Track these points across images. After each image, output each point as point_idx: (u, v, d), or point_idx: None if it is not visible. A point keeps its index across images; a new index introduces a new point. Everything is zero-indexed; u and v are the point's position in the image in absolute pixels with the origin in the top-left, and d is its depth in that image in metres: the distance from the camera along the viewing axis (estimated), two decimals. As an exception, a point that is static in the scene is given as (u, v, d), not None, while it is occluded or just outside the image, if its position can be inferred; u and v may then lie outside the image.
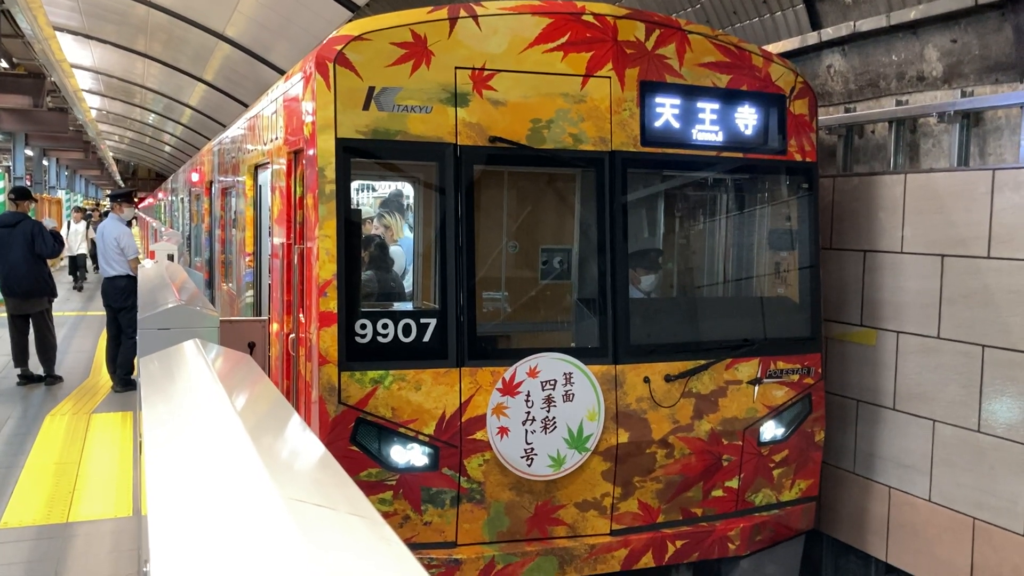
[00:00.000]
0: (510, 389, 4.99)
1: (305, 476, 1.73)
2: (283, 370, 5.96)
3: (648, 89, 5.31)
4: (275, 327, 6.32)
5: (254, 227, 7.86)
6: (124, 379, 10.25)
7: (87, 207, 42.14)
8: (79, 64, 24.68)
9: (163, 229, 22.04)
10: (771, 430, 5.72)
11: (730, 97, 5.56)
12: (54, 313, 11.25)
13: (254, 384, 2.70)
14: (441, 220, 5.05)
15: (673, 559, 5.44)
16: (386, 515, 4.86)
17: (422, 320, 4.96)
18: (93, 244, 22.13)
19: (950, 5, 5.82)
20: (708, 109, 5.51)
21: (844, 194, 6.52)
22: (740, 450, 5.61)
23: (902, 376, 6.08)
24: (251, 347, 6.21)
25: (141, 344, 4.18)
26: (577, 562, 5.18)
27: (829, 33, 6.82)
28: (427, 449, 4.91)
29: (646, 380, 5.29)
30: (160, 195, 34.71)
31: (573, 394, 5.09)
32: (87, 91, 29.05)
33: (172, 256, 11.37)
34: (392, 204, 7.44)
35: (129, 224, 11.17)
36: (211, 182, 12.38)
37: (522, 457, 5.02)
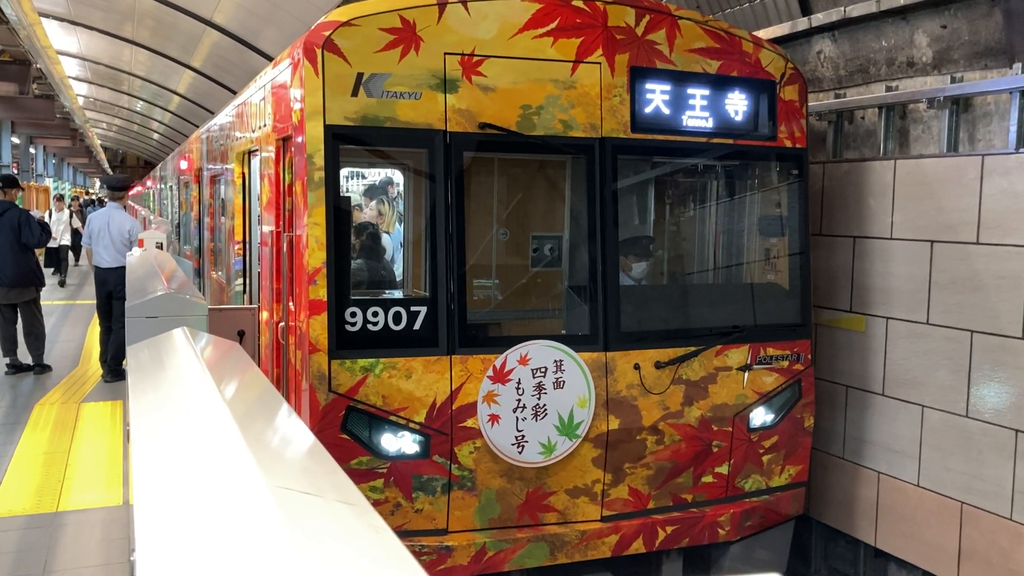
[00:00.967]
0: (501, 377, 4.99)
1: (293, 464, 1.73)
2: (273, 358, 5.94)
3: (638, 75, 5.29)
4: (265, 315, 6.30)
5: (243, 215, 7.82)
6: (115, 368, 10.20)
7: (79, 195, 41.81)
8: (65, 51, 24.46)
9: (152, 217, 21.92)
10: (761, 416, 5.74)
11: (720, 83, 5.55)
12: (42, 302, 11.19)
13: (242, 373, 2.69)
14: (431, 207, 5.03)
15: (663, 544, 5.47)
16: (377, 503, 4.86)
17: (412, 308, 4.94)
18: (76, 235, 21.04)
19: (940, -10, 5.82)
20: (698, 95, 5.50)
21: (834, 180, 6.53)
22: (730, 436, 5.63)
23: (891, 362, 6.10)
24: (241, 335, 6.19)
25: (129, 332, 4.16)
26: (568, 548, 5.19)
27: (819, 19, 6.81)
28: (418, 437, 4.90)
29: (636, 367, 5.30)
30: (149, 183, 34.53)
31: (564, 381, 5.10)
32: (74, 78, 28.82)
33: (161, 244, 11.30)
34: (380, 191, 7.41)
35: None
36: (200, 170, 12.32)
37: (513, 444, 5.03)
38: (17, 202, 11.15)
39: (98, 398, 9.48)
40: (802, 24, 6.97)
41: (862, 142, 6.85)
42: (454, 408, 4.94)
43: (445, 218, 4.98)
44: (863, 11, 6.38)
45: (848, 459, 6.50)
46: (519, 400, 5.02)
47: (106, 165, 62.49)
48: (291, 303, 5.32)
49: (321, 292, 4.77)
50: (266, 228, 6.20)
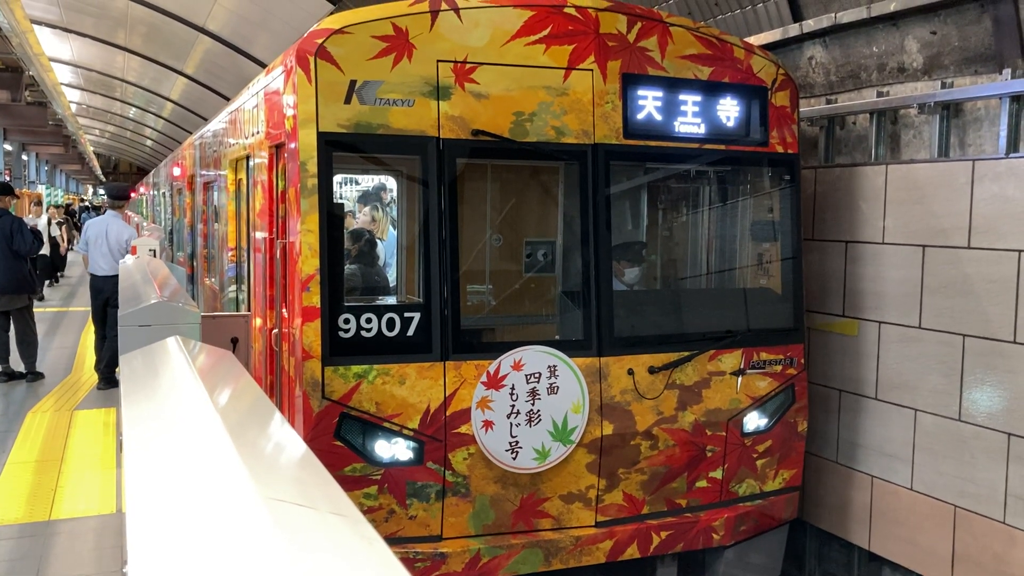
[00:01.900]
0: (495, 382, 4.99)
1: (286, 475, 1.73)
2: (266, 365, 5.93)
3: (630, 82, 5.31)
4: (258, 322, 6.29)
5: (236, 222, 7.81)
6: (108, 376, 10.17)
7: (73, 202, 41.56)
8: (57, 58, 24.42)
9: (145, 224, 21.86)
10: (754, 421, 5.76)
11: (712, 89, 5.57)
12: (35, 309, 11.15)
13: (235, 381, 2.68)
14: (424, 214, 5.03)
15: (658, 550, 5.47)
16: (371, 510, 4.86)
17: (406, 314, 4.95)
18: (54, 245, 19.38)
19: (930, -4, 5.85)
20: (690, 101, 5.52)
21: (826, 185, 6.55)
22: (724, 441, 5.64)
23: (884, 366, 6.12)
24: (234, 342, 6.18)
25: (122, 341, 4.15)
26: (562, 554, 5.19)
27: (810, 25, 6.84)
28: (412, 443, 4.90)
29: (630, 372, 5.30)
30: (142, 189, 34.46)
31: (558, 387, 5.10)
32: (66, 85, 28.77)
33: (154, 251, 11.29)
34: (374, 198, 7.41)
35: None
36: (193, 176, 12.30)
37: (507, 450, 5.03)
38: (10, 210, 11.12)
39: (91, 405, 9.46)
40: (793, 30, 7.00)
41: (853, 147, 6.88)
42: (448, 414, 4.94)
43: (438, 224, 4.99)
44: (854, 17, 6.41)
45: (842, 463, 6.51)
46: (513, 406, 5.02)
47: (99, 172, 62.34)
48: (284, 310, 5.32)
49: (314, 299, 4.77)
50: (259, 235, 6.20)
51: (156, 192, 22.96)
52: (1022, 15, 5.46)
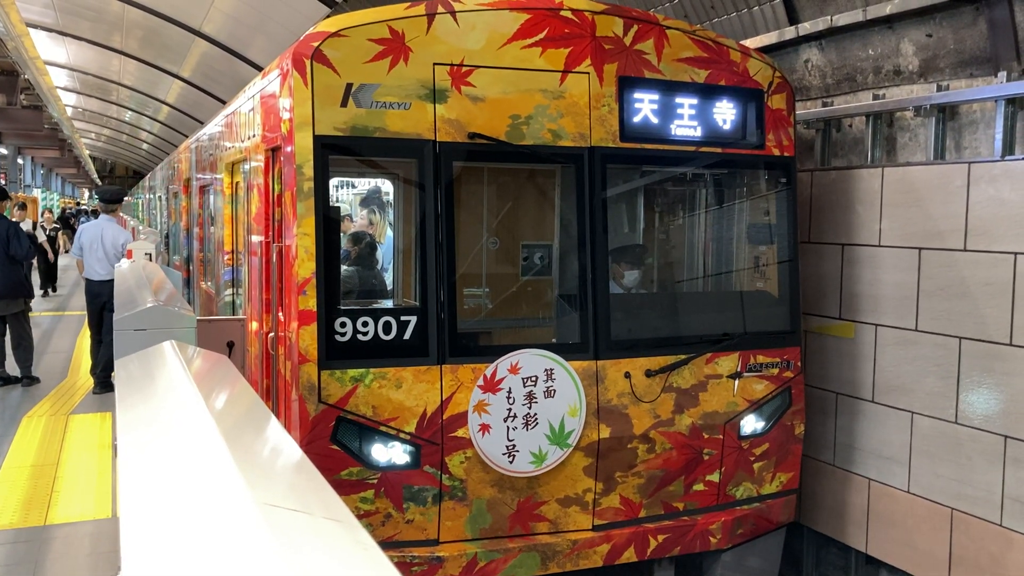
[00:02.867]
0: (491, 386, 4.98)
1: (280, 480, 1.72)
2: (263, 369, 5.92)
3: (627, 85, 5.31)
4: (254, 326, 6.28)
5: (232, 225, 7.80)
6: (104, 380, 10.15)
7: (68, 206, 41.33)
8: (53, 61, 24.40)
9: (141, 227, 21.83)
10: (751, 424, 5.75)
11: (708, 92, 5.57)
12: (30, 314, 11.13)
13: (231, 386, 2.68)
14: (421, 217, 5.03)
15: (655, 553, 5.46)
16: (368, 514, 4.85)
17: (402, 318, 4.94)
18: (42, 253, 18.22)
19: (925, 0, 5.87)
20: (686, 104, 5.52)
21: (822, 188, 6.56)
22: (721, 444, 5.63)
23: (880, 369, 6.12)
24: (230, 346, 6.17)
25: (117, 345, 4.14)
26: (559, 558, 5.18)
27: (806, 28, 6.85)
28: (408, 447, 4.89)
29: (627, 375, 5.30)
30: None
31: (554, 390, 5.09)
32: (62, 88, 28.75)
33: (150, 255, 11.27)
34: (370, 201, 7.41)
35: None
36: (189, 180, 12.29)
37: (504, 454, 5.02)
38: (5, 213, 11.10)
39: (87, 410, 9.43)
40: (789, 33, 7.01)
41: (850, 150, 6.89)
42: (444, 418, 4.93)
43: (435, 228, 4.98)
44: (850, 20, 6.42)
45: (839, 466, 6.51)
46: (510, 409, 5.01)
47: (95, 175, 62.27)
48: (281, 313, 5.31)
49: (311, 302, 4.76)
50: (255, 238, 6.19)
51: (152, 195, 22.92)
52: (1017, 18, 5.47)
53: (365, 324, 4.85)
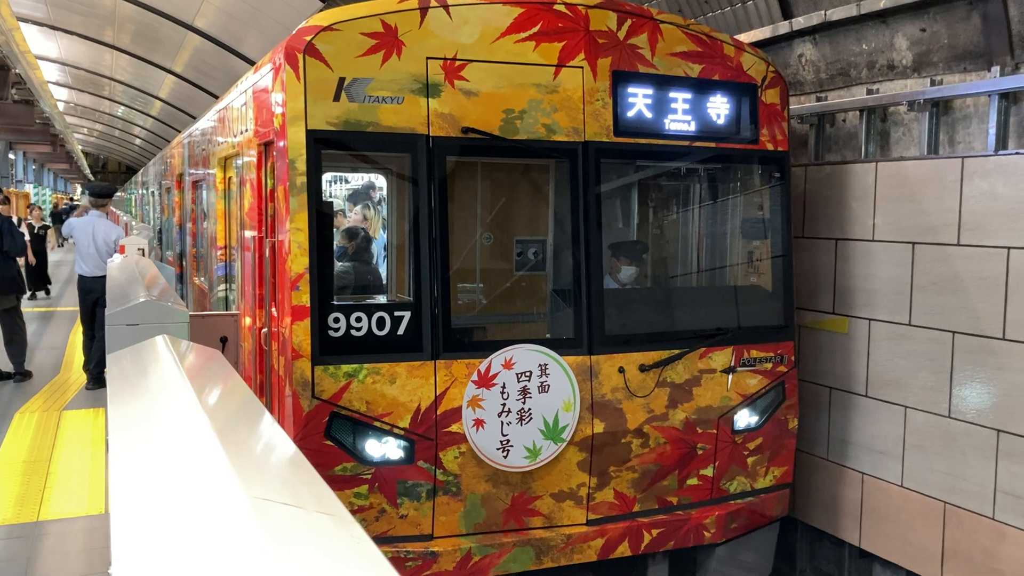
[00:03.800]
0: (485, 381, 4.98)
1: (273, 475, 1.71)
2: (256, 364, 5.91)
3: (620, 79, 5.30)
4: (247, 321, 6.26)
5: (225, 220, 7.78)
6: (97, 376, 10.12)
7: (65, 203, 41.00)
8: (45, 56, 24.28)
9: (133, 223, 21.74)
10: (745, 418, 5.76)
11: (702, 87, 5.56)
12: (23, 309, 11.09)
13: (223, 381, 2.66)
14: (414, 212, 5.01)
15: (649, 548, 5.47)
16: (362, 509, 4.84)
17: (396, 313, 4.93)
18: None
19: (919, -6, 5.86)
20: (680, 99, 5.51)
21: (816, 183, 6.56)
22: (715, 438, 5.64)
23: (874, 363, 6.13)
24: (223, 342, 6.15)
25: (110, 340, 4.12)
26: (554, 552, 5.18)
27: (800, 22, 6.84)
28: (402, 442, 4.88)
29: (621, 370, 5.30)
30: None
31: (548, 385, 5.09)
32: (53, 83, 28.61)
33: (143, 250, 11.23)
34: (363, 196, 7.40)
35: None
36: (182, 175, 12.25)
37: (498, 449, 5.02)
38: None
39: (80, 405, 9.40)
40: (783, 27, 7.00)
41: (843, 145, 6.89)
42: (439, 413, 4.92)
43: (428, 223, 4.97)
44: (843, 14, 6.42)
45: (832, 460, 6.53)
46: (504, 404, 5.01)
47: (87, 171, 62.02)
48: (274, 309, 5.30)
49: (304, 298, 4.75)
50: (248, 233, 6.17)
51: (145, 191, 22.83)
52: (1011, 12, 5.47)
53: (359, 319, 4.84)
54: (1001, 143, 5.56)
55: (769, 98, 5.78)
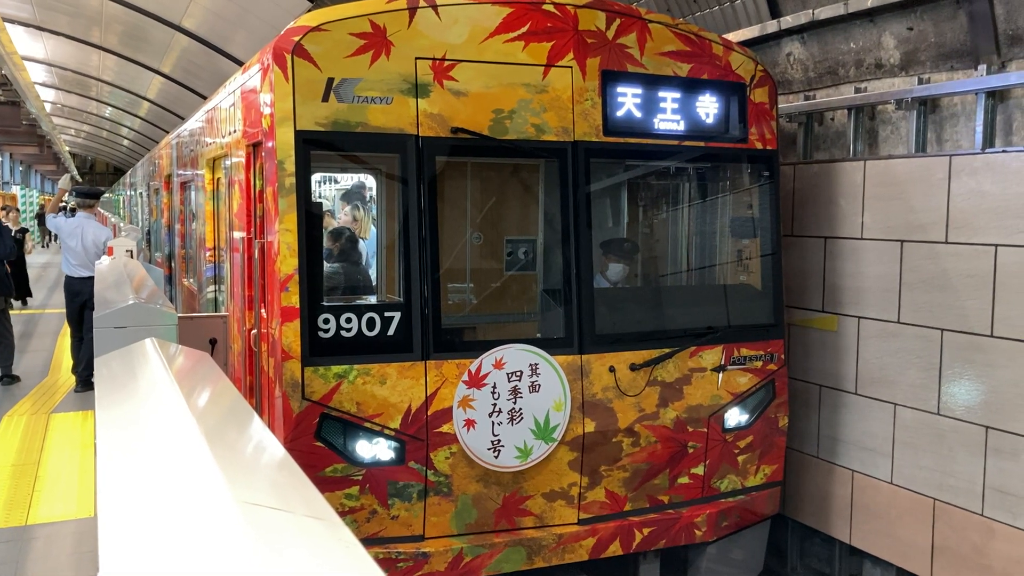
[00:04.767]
0: (476, 381, 4.97)
1: (262, 479, 1.70)
2: (246, 366, 5.88)
3: (609, 79, 5.30)
4: (237, 323, 6.24)
5: (214, 221, 7.75)
6: (86, 379, 10.07)
7: (44, 203, 40.71)
8: (31, 56, 24.12)
9: (122, 224, 21.64)
10: (735, 416, 5.77)
11: (691, 86, 5.57)
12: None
13: (212, 384, 2.65)
14: (404, 212, 5.00)
15: (640, 546, 5.47)
16: (353, 510, 4.83)
17: (386, 313, 4.92)
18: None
19: (906, -7, 5.89)
20: (669, 98, 5.52)
21: (805, 181, 6.58)
22: (705, 437, 5.65)
23: (863, 361, 6.15)
24: (212, 343, 6.12)
25: (97, 343, 4.10)
26: (545, 552, 5.18)
27: (788, 21, 6.86)
28: (393, 443, 4.87)
29: (611, 369, 5.30)
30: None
31: (539, 385, 5.09)
32: (40, 84, 28.43)
33: (131, 252, 11.18)
34: (353, 197, 7.38)
35: None
36: (170, 176, 12.20)
37: (489, 449, 5.01)
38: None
39: (68, 408, 9.35)
40: (771, 27, 7.02)
41: (832, 143, 6.91)
42: (429, 414, 4.92)
43: (418, 223, 4.96)
44: (831, 13, 6.44)
45: (822, 458, 6.55)
46: (495, 404, 5.01)
47: (75, 172, 61.65)
48: (263, 310, 5.28)
49: (293, 299, 4.73)
50: (237, 234, 6.14)
51: (133, 192, 22.73)
52: (996, 11, 5.50)
53: (349, 320, 4.83)
54: (988, 141, 5.59)
55: (758, 97, 5.79)
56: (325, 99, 4.75)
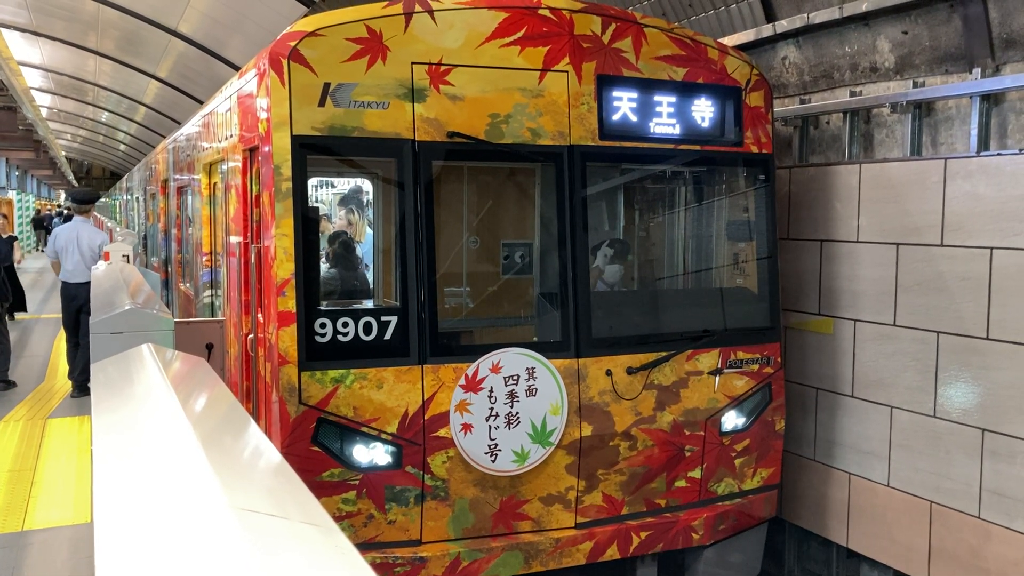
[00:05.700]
0: (473, 385, 4.97)
1: (258, 484, 1.70)
2: (242, 371, 5.88)
3: (605, 83, 5.31)
4: (233, 327, 6.23)
5: (210, 226, 7.74)
6: (82, 384, 10.05)
7: (56, 208, 40.42)
8: (27, 62, 24.10)
9: (118, 229, 21.61)
10: (732, 420, 5.77)
11: (687, 90, 5.58)
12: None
13: (208, 390, 2.65)
14: (400, 216, 5.01)
15: (638, 550, 5.47)
16: (349, 515, 4.83)
17: (383, 318, 4.92)
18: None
19: (901, -3, 5.90)
20: (665, 102, 5.53)
21: (800, 185, 6.59)
22: (702, 440, 5.65)
23: (860, 364, 6.16)
24: (209, 348, 6.12)
25: (94, 348, 4.09)
26: (542, 556, 5.18)
27: (783, 25, 6.88)
28: (390, 447, 4.87)
29: (608, 373, 5.30)
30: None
31: (536, 389, 5.09)
32: (36, 89, 28.40)
33: (127, 257, 11.16)
34: (349, 201, 7.38)
35: None
36: (166, 181, 12.19)
37: (486, 453, 5.01)
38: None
39: (65, 414, 9.34)
40: (767, 31, 7.04)
41: (827, 147, 6.93)
42: (426, 418, 4.91)
43: (415, 227, 4.96)
44: (826, 17, 6.46)
45: (819, 461, 6.55)
46: (492, 408, 5.01)
47: (71, 177, 61.61)
48: (260, 315, 5.27)
49: (290, 303, 4.73)
50: (234, 239, 6.14)
51: (129, 196, 22.71)
52: (991, 15, 5.52)
53: (345, 325, 4.83)
54: (983, 144, 5.60)
55: (753, 101, 5.81)
56: (321, 104, 4.76)
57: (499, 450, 5.03)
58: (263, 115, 4.93)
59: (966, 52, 5.75)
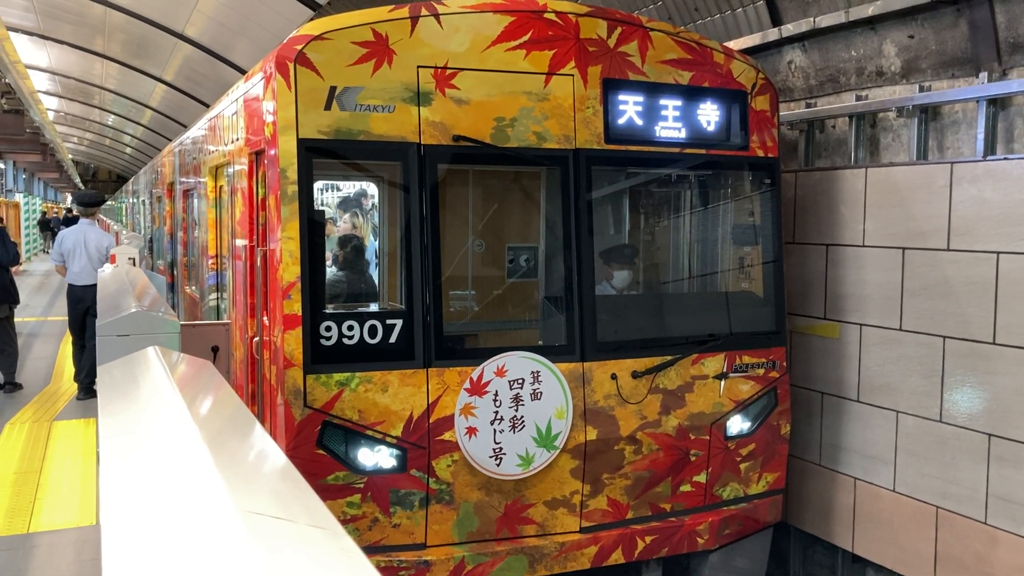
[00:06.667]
0: (478, 389, 4.97)
1: (264, 487, 1.70)
2: (248, 374, 5.89)
3: (611, 87, 5.31)
4: (239, 330, 6.24)
5: (216, 229, 7.76)
6: (88, 386, 10.07)
7: (47, 212, 40.74)
8: (34, 65, 24.21)
9: (124, 232, 21.67)
10: (738, 424, 5.76)
11: (692, 94, 5.58)
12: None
13: (214, 392, 2.65)
14: (406, 220, 5.02)
15: (643, 555, 5.46)
16: (354, 518, 4.83)
17: (388, 321, 4.92)
18: None
19: (907, 1, 5.90)
20: (671, 106, 5.53)
21: (806, 189, 6.58)
22: (707, 445, 5.64)
23: (865, 368, 6.15)
24: (215, 351, 6.12)
25: (100, 351, 4.10)
26: (547, 560, 5.17)
27: (789, 29, 6.88)
28: (395, 451, 4.87)
29: (613, 377, 5.30)
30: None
31: (541, 392, 5.09)
32: (43, 92, 28.53)
33: (134, 259, 11.19)
34: (355, 204, 7.39)
35: None
36: (172, 184, 12.22)
37: (491, 457, 5.01)
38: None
39: (71, 416, 9.36)
40: (772, 35, 7.03)
41: (833, 151, 6.92)
42: (431, 421, 4.92)
43: (420, 230, 4.97)
44: (832, 21, 6.45)
45: (825, 465, 6.54)
46: (496, 412, 5.01)
47: (78, 180, 61.84)
48: (265, 318, 5.28)
49: (295, 306, 4.74)
50: (240, 242, 6.16)
51: (136, 199, 22.77)
52: (997, 19, 5.51)
53: (351, 328, 4.83)
54: (989, 148, 5.59)
55: (759, 105, 5.80)
56: (327, 107, 4.77)
57: (504, 454, 5.03)
58: (269, 118, 4.95)
59: (973, 56, 5.74)
